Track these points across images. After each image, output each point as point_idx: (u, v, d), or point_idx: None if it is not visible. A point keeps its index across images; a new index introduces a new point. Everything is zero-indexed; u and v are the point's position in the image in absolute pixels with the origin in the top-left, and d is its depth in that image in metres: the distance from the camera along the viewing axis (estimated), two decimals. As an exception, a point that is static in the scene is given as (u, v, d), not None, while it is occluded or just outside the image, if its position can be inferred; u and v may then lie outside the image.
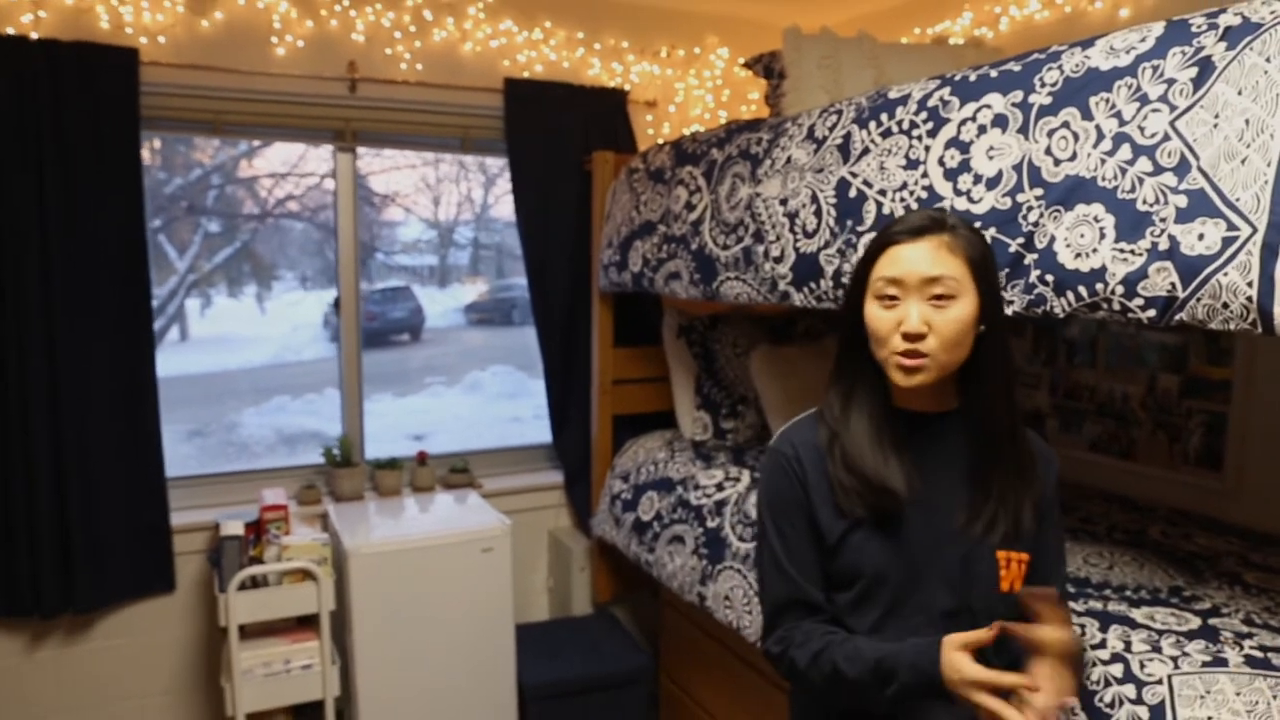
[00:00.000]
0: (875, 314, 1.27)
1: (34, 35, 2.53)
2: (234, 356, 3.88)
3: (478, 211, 4.24)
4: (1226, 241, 1.18)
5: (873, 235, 1.42)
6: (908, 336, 1.23)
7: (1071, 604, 1.70)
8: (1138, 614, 1.64)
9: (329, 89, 2.99)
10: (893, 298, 1.25)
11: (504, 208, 3.63)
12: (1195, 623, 1.59)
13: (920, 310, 1.23)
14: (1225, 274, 1.18)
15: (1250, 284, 1.15)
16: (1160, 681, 1.43)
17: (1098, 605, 1.68)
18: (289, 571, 2.64)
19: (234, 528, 2.66)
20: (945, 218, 1.27)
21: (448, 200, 4.15)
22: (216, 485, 3.12)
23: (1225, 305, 1.19)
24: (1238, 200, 1.17)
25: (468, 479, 3.31)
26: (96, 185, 2.64)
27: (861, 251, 1.39)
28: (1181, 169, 1.25)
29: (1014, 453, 1.32)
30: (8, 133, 2.51)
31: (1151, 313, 1.29)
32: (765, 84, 3.00)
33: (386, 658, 2.70)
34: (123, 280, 2.72)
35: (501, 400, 4.27)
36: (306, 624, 2.72)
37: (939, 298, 1.23)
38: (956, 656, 1.17)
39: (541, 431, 3.51)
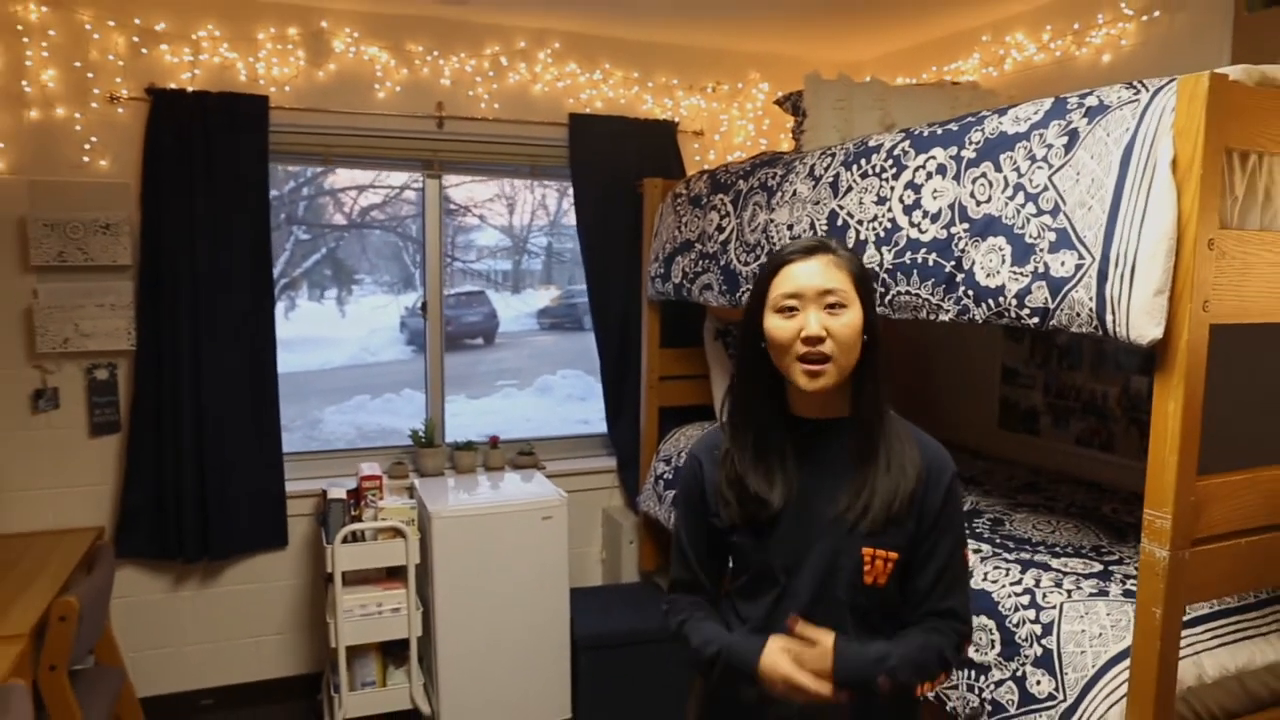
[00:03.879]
0: (777, 324, 1.39)
1: (190, 89, 3.14)
2: (315, 357, 4.13)
3: (551, 218, 4.45)
4: (1078, 268, 1.60)
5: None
6: (808, 340, 1.35)
7: (1005, 555, 2.11)
8: (1055, 562, 2.04)
9: (420, 125, 3.54)
10: (792, 309, 1.38)
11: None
12: (1098, 568, 1.99)
13: (818, 317, 1.36)
14: (1076, 291, 1.59)
15: (1091, 299, 1.57)
16: (1054, 606, 1.84)
17: (1026, 556, 2.09)
18: (383, 529, 3.18)
19: (339, 493, 3.22)
20: (828, 241, 1.44)
21: (522, 208, 4.38)
22: (319, 461, 3.69)
23: (1077, 314, 1.60)
24: (1085, 238, 1.59)
25: (533, 461, 3.81)
26: (233, 206, 3.21)
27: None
28: (1054, 212, 1.66)
29: (884, 450, 1.42)
30: (170, 164, 3.11)
31: (1035, 320, 1.70)
32: (793, 119, 3.43)
33: (461, 606, 3.20)
34: (251, 284, 3.29)
35: (571, 403, 4.52)
36: (395, 575, 3.26)
37: (832, 306, 1.36)
38: (777, 655, 1.36)
39: (604, 427, 4.00)
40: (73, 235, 3.04)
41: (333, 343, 4.35)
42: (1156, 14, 2.76)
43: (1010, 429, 3.38)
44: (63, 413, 3.16)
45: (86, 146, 3.08)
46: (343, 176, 3.94)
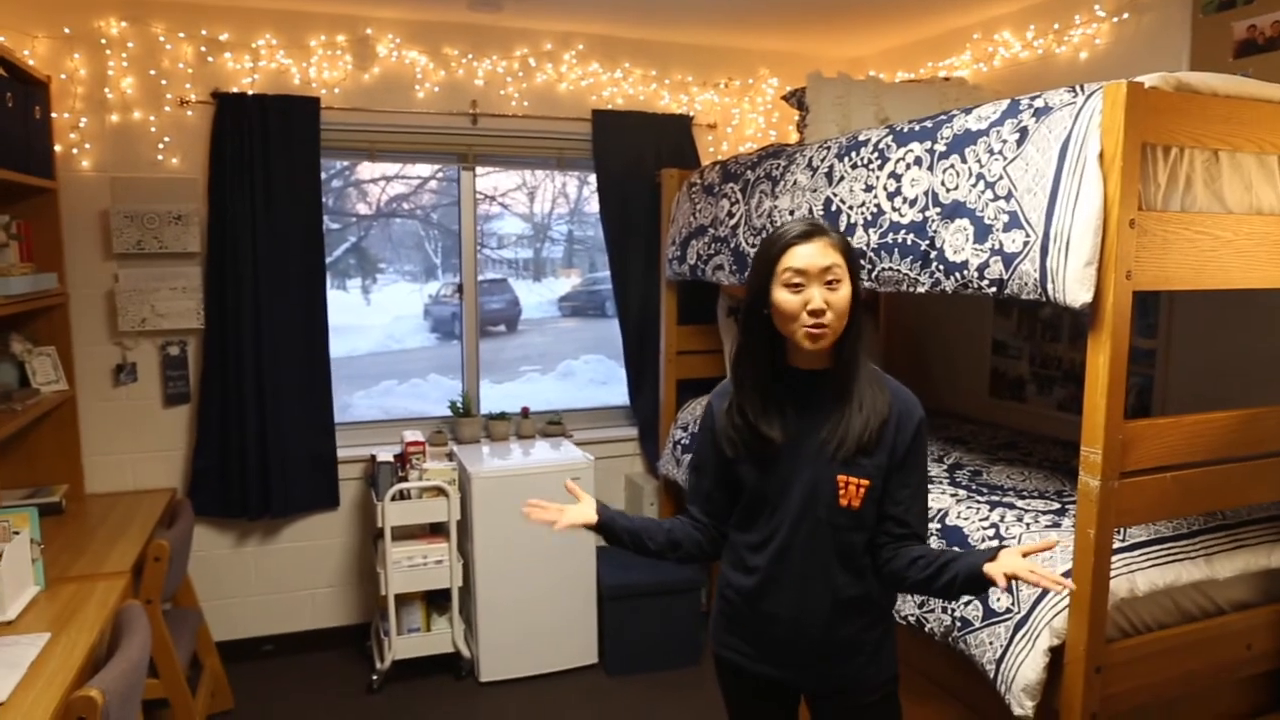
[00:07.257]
0: (785, 298, 1.66)
1: (250, 92, 3.47)
2: (342, 344, 4.16)
3: (572, 206, 4.66)
4: (1025, 244, 1.89)
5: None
6: (813, 313, 1.63)
7: (978, 498, 2.41)
8: (1020, 503, 2.35)
9: (456, 122, 3.86)
10: (798, 285, 1.65)
11: (597, 203, 4.07)
12: (1056, 506, 2.30)
13: (821, 292, 1.64)
14: (1024, 264, 1.89)
15: (1035, 270, 1.87)
16: (1015, 537, 2.14)
17: (996, 498, 2.40)
18: (428, 489, 3.52)
19: (387, 456, 3.56)
20: (819, 222, 1.71)
21: (543, 196, 4.58)
22: (367, 429, 4.04)
23: (1025, 283, 1.90)
24: (1030, 219, 1.88)
25: (561, 430, 4.14)
26: (289, 198, 3.54)
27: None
28: (1008, 198, 1.96)
29: (858, 394, 1.70)
30: (232, 159, 3.44)
31: (993, 289, 2.00)
32: (798, 113, 3.72)
33: (498, 558, 3.54)
34: (305, 266, 3.61)
35: (593, 387, 4.73)
36: (438, 530, 3.61)
37: (831, 282, 1.64)
38: None
39: (626, 402, 4.32)
40: (149, 225, 3.39)
41: (359, 330, 4.49)
42: (1125, 16, 3.03)
43: (1000, 397, 3.67)
44: (140, 385, 3.52)
45: (160, 146, 3.43)
46: (369, 168, 4.14)
